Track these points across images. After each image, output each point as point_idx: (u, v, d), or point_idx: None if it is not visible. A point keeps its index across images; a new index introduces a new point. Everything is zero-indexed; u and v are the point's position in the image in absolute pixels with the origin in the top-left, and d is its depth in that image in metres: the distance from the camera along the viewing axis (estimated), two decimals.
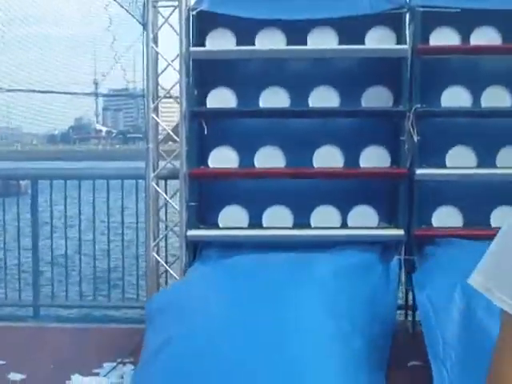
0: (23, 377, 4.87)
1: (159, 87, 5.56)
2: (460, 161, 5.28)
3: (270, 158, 5.38)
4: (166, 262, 5.69)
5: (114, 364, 5.00)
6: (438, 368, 4.04)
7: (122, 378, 4.85)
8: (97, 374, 4.90)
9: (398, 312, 5.40)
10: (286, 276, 4.66)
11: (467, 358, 3.97)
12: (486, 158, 5.28)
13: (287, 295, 4.30)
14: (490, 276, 1.31)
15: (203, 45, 5.39)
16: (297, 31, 5.30)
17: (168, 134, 5.69)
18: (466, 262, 4.57)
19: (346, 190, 5.41)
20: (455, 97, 5.28)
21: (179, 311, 4.45)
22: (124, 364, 4.99)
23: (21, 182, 8.68)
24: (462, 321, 4.17)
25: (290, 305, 4.22)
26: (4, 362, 5.12)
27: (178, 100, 5.36)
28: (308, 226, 5.34)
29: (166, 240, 5.86)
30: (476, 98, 5.28)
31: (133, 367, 4.88)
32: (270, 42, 5.34)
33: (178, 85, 5.37)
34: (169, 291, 5.16)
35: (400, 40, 5.25)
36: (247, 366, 3.91)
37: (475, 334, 3.99)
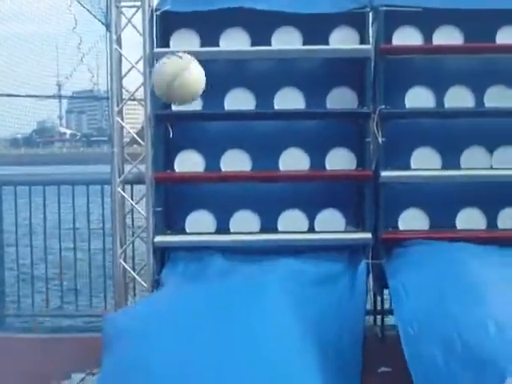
0: None
1: (123, 90, 5.50)
2: (425, 162, 5.31)
3: (236, 161, 5.36)
4: (134, 269, 5.63)
5: (83, 375, 4.94)
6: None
7: None
8: None
9: (367, 317, 5.39)
10: (250, 286, 4.60)
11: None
12: (451, 159, 5.32)
13: (253, 305, 4.24)
14: None
15: (167, 46, 5.35)
16: (261, 32, 5.29)
17: (133, 137, 5.63)
18: (435, 257, 4.62)
19: (313, 193, 5.40)
20: (419, 97, 5.31)
21: (142, 334, 4.23)
22: (93, 374, 4.93)
23: None
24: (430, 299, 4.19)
25: (258, 313, 4.17)
26: None
27: (143, 103, 5.31)
28: (275, 231, 5.33)
29: (133, 246, 5.80)
30: (439, 98, 5.32)
31: None
32: (235, 42, 5.32)
33: (142, 87, 5.32)
34: (126, 314, 4.80)
35: (363, 40, 5.26)
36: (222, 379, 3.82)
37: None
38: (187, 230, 5.38)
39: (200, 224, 5.39)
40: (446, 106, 5.33)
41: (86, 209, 6.37)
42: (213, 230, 5.37)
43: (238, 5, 5.12)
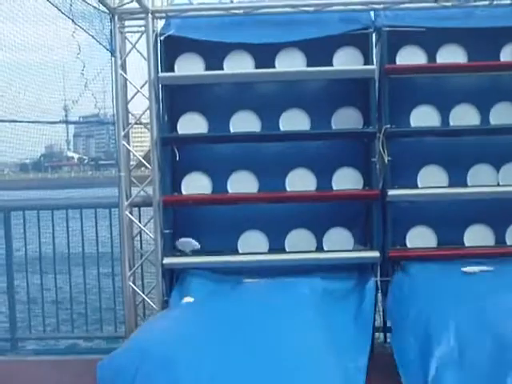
0: None
1: (129, 114, 5.54)
2: (431, 180, 5.33)
3: (242, 182, 5.38)
4: (143, 291, 5.65)
5: None
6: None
7: None
8: None
9: (377, 334, 5.38)
10: (269, 301, 4.61)
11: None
12: (457, 176, 5.33)
13: (274, 318, 4.25)
14: None
15: (172, 70, 5.40)
16: (265, 54, 5.33)
17: (140, 160, 5.66)
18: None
19: (320, 212, 5.42)
20: (424, 116, 5.33)
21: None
22: None
23: None
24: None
25: (281, 325, 4.16)
26: None
27: (149, 126, 5.35)
28: (283, 251, 5.34)
29: (141, 269, 5.82)
30: (445, 116, 5.34)
31: None
32: (239, 65, 5.36)
33: (148, 111, 5.36)
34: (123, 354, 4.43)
35: (367, 60, 5.29)
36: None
37: None
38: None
39: (208, 245, 5.41)
40: (452, 124, 5.35)
41: (95, 232, 6.39)
42: (222, 250, 5.38)
43: (242, 41, 5.18)
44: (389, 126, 5.17)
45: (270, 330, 4.11)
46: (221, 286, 5.14)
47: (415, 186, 5.32)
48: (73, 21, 5.11)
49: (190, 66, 5.39)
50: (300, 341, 4.11)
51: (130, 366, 3.93)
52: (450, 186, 5.32)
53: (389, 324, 5.41)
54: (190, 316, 4.55)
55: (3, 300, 6.64)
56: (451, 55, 5.32)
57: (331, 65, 5.33)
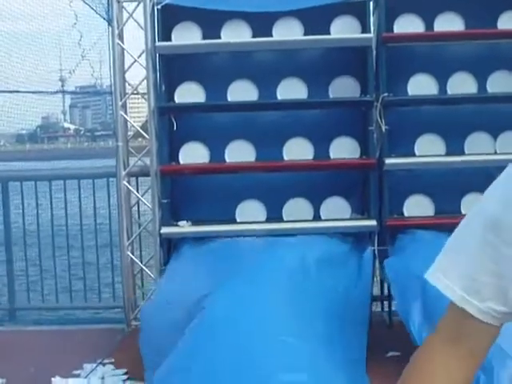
0: (3, 381, 4.83)
1: (126, 84, 5.53)
2: (429, 149, 5.32)
3: (240, 152, 5.38)
4: (141, 261, 5.68)
5: (94, 365, 4.98)
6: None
7: (103, 378, 4.83)
8: (77, 376, 4.87)
9: (374, 303, 5.43)
10: (254, 260, 4.67)
11: None
12: (455, 145, 5.33)
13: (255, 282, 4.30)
14: (440, 267, 1.34)
15: (169, 39, 5.37)
16: (262, 23, 5.30)
17: (137, 130, 5.66)
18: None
19: (318, 181, 5.43)
20: (422, 84, 5.32)
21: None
22: (104, 365, 4.97)
23: None
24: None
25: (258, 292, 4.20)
26: None
27: (146, 96, 5.34)
28: (281, 220, 5.36)
29: (139, 239, 5.85)
30: (442, 85, 5.33)
31: (113, 367, 4.87)
32: (236, 34, 5.34)
33: (145, 81, 5.35)
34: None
35: (365, 29, 5.27)
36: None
37: None
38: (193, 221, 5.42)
39: (206, 214, 5.43)
40: (449, 92, 5.34)
41: (93, 202, 6.42)
42: (219, 219, 5.40)
43: (238, 9, 5.16)
44: (386, 94, 5.15)
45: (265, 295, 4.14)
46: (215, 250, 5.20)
47: (412, 155, 5.32)
48: None
49: (187, 35, 5.37)
50: (296, 309, 4.15)
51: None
52: (448, 154, 5.32)
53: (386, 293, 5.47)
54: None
55: (1, 270, 6.67)
56: (449, 23, 5.29)
57: (329, 34, 5.30)
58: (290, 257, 4.76)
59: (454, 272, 1.32)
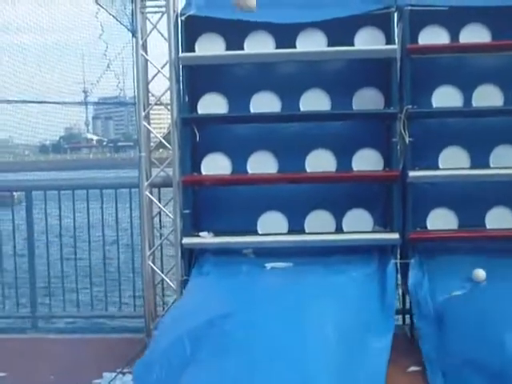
0: None
1: (150, 94, 5.54)
2: (453, 162, 5.27)
3: (262, 163, 5.37)
4: (162, 271, 5.67)
5: (114, 374, 4.98)
6: None
7: None
8: None
9: (396, 317, 5.37)
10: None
11: None
12: (480, 158, 5.27)
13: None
14: None
15: (193, 50, 5.38)
16: (285, 34, 5.30)
17: (160, 141, 5.66)
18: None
19: (340, 193, 5.40)
20: (446, 97, 5.28)
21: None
22: (123, 374, 4.96)
23: (14, 193, 8.65)
24: None
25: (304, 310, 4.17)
26: (4, 374, 5.11)
27: (169, 107, 5.34)
28: (303, 232, 5.33)
29: (161, 249, 5.85)
30: (467, 97, 5.28)
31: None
32: (259, 45, 5.34)
33: (168, 92, 5.35)
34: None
35: (389, 40, 5.25)
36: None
37: None
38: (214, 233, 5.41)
39: (227, 226, 5.41)
40: (474, 104, 5.29)
41: (115, 212, 6.43)
42: (240, 231, 5.38)
43: (262, 20, 5.14)
44: (410, 106, 5.12)
45: (291, 313, 4.11)
46: (239, 268, 5.16)
47: (436, 168, 5.28)
48: (96, 1, 5.12)
49: (210, 46, 5.38)
50: (324, 323, 4.12)
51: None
52: (472, 167, 5.27)
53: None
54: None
55: (24, 279, 6.70)
56: (474, 35, 5.25)
57: (352, 45, 5.28)
58: (313, 279, 4.74)
59: None
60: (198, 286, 5.01)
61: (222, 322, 4.02)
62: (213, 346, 3.92)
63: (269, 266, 5.13)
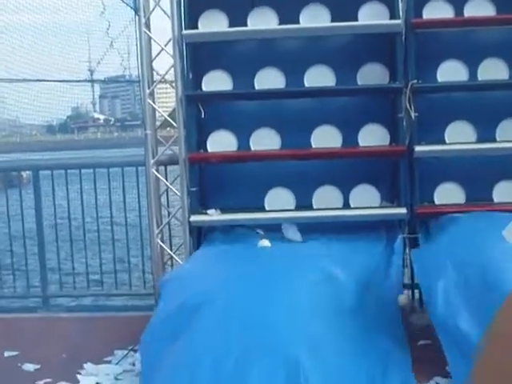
0: (37, 367, 4.90)
1: (154, 72, 5.54)
2: (459, 136, 5.26)
3: (267, 139, 5.37)
4: (171, 249, 5.70)
5: (126, 351, 5.02)
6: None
7: (134, 365, 4.87)
8: (108, 362, 4.92)
9: (405, 291, 5.39)
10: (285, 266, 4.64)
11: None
12: (486, 132, 5.26)
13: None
14: None
15: (196, 27, 5.37)
16: (289, 10, 5.27)
17: (165, 119, 5.67)
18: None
19: (347, 169, 5.40)
20: (451, 71, 5.25)
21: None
22: (135, 351, 5.00)
23: (22, 173, 8.69)
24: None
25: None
26: (17, 353, 5.15)
27: (174, 84, 5.34)
28: (310, 208, 5.34)
29: (169, 226, 5.87)
30: (472, 71, 5.26)
31: None
32: (262, 21, 5.32)
33: (172, 69, 5.35)
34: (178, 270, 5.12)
35: (393, 15, 5.22)
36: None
37: None
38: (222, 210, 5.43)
39: (234, 203, 5.43)
40: (480, 78, 5.27)
41: (122, 190, 6.46)
42: (247, 208, 5.40)
43: None
44: (415, 81, 5.11)
45: (293, 287, 4.12)
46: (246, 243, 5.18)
47: (443, 142, 5.27)
48: None
49: (213, 23, 5.36)
50: (325, 299, 4.14)
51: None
52: (479, 141, 5.26)
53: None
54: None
55: (34, 258, 6.76)
56: (479, 8, 5.21)
57: (356, 20, 5.26)
58: (319, 249, 4.76)
59: None
60: (205, 253, 5.08)
61: (221, 293, 4.03)
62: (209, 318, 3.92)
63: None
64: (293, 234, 5.29)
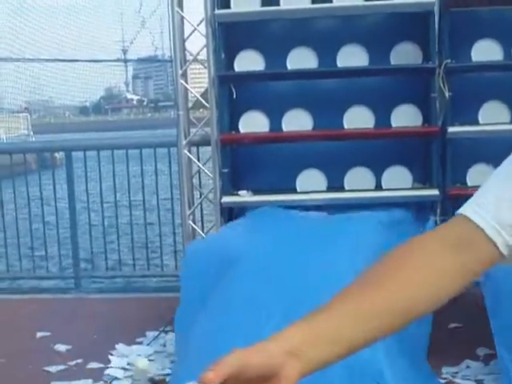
0: (68, 347, 4.97)
1: (186, 52, 5.53)
2: (493, 117, 5.18)
3: (299, 120, 5.34)
4: (203, 230, 5.72)
5: (157, 333, 5.06)
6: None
7: (165, 346, 4.91)
8: (140, 343, 4.97)
9: None
10: (320, 229, 4.64)
11: None
12: None
13: (320, 248, 4.25)
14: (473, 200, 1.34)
15: (228, 7, 5.34)
16: None
17: (198, 100, 5.67)
18: None
19: (379, 150, 5.36)
20: (486, 50, 5.16)
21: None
22: (166, 332, 5.04)
23: (56, 154, 8.77)
24: None
25: (322, 258, 4.15)
26: (49, 334, 5.22)
27: (206, 65, 5.33)
28: (342, 189, 5.32)
29: (201, 207, 5.89)
30: (507, 50, 5.17)
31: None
32: (295, 0, 5.27)
33: (205, 49, 5.34)
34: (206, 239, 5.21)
35: None
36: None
37: None
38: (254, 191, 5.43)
39: (266, 184, 5.43)
40: None
41: (154, 171, 6.50)
42: (279, 189, 5.39)
43: None
44: (449, 60, 5.04)
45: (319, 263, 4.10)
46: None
47: (476, 123, 5.21)
48: None
49: (246, 3, 5.32)
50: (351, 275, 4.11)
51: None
52: None
53: None
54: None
55: (67, 239, 6.82)
56: None
57: None
58: (349, 226, 4.74)
59: (482, 198, 1.32)
60: (232, 225, 5.15)
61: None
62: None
63: None
64: None
